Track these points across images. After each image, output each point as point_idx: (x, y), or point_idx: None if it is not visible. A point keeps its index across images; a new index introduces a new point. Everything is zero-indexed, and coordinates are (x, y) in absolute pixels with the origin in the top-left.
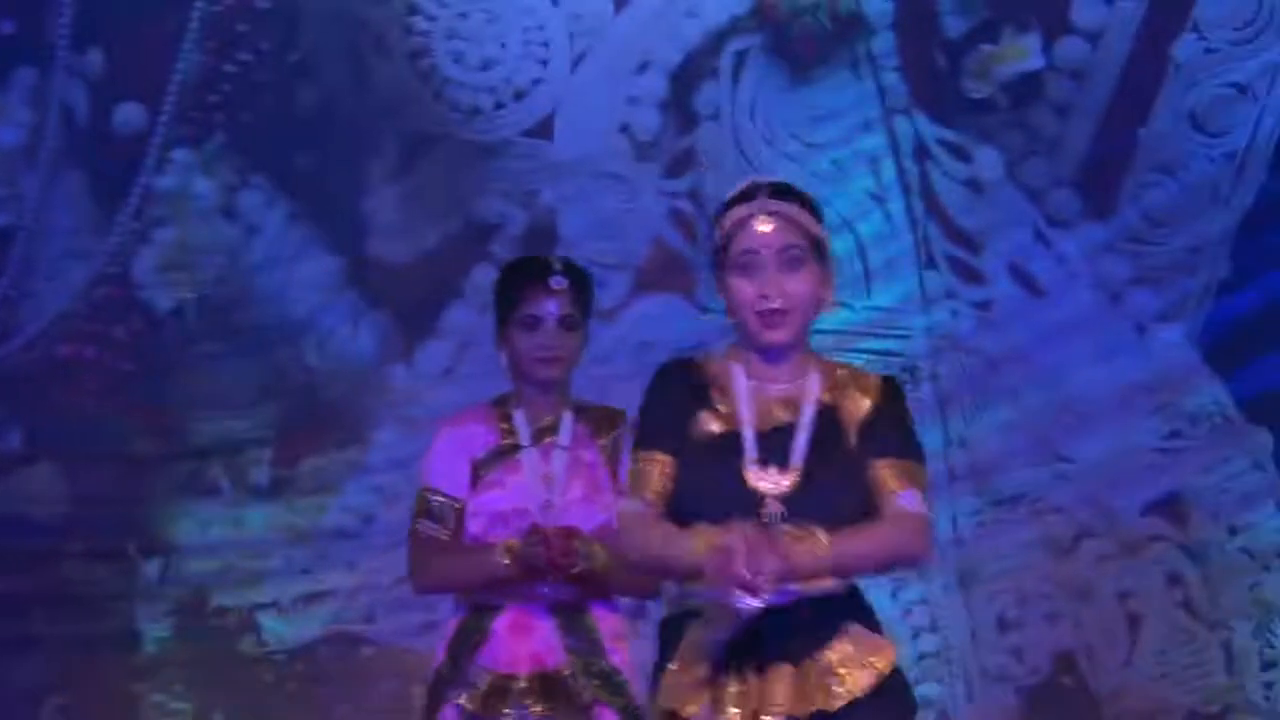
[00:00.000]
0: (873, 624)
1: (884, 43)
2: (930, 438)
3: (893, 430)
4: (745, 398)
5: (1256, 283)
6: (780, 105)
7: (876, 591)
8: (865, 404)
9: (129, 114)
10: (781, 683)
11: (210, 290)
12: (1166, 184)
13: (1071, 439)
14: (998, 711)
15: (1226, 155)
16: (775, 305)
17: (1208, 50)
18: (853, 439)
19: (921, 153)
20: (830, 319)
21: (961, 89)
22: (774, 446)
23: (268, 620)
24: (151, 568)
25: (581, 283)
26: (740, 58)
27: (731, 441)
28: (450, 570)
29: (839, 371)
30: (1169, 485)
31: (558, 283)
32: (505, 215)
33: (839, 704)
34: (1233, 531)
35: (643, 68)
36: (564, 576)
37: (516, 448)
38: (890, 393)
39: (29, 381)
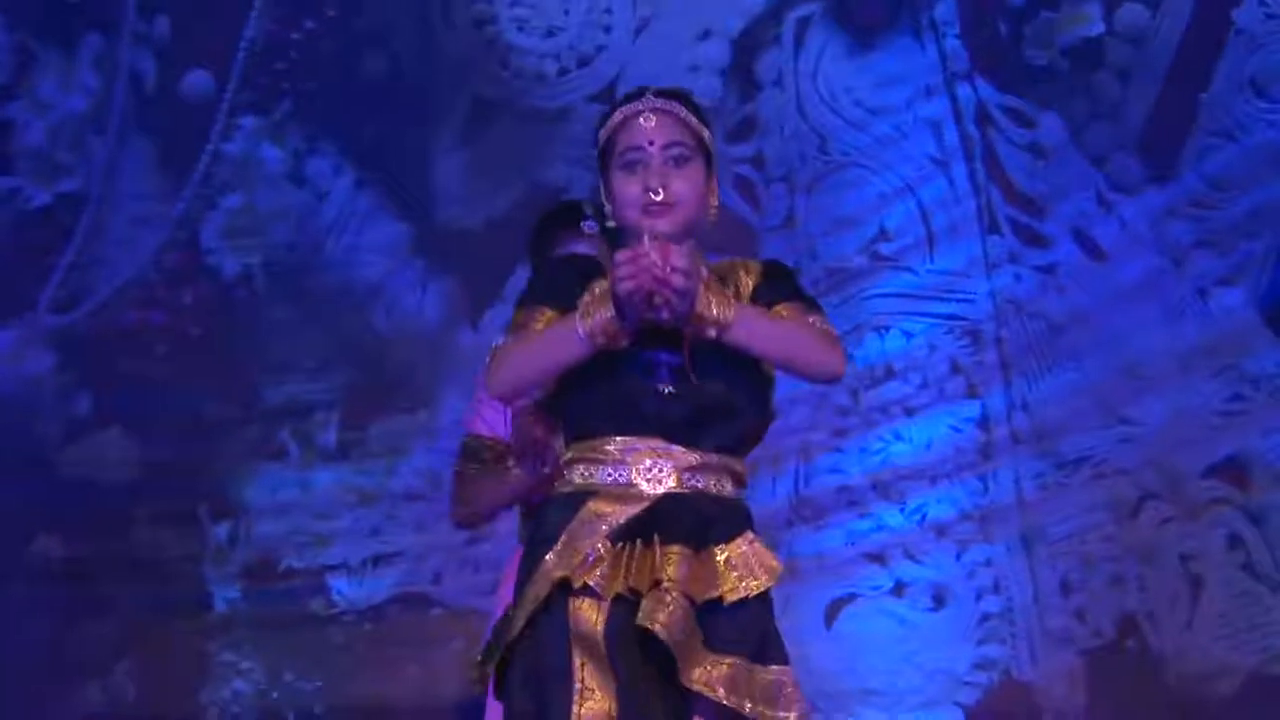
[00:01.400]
0: (764, 539)
1: (946, 9)
2: (994, 401)
3: (785, 285)
4: None
5: None
6: (842, 71)
7: (940, 554)
8: (752, 280)
9: (196, 81)
10: (681, 563)
11: (278, 256)
12: (1228, 148)
13: (1134, 402)
14: (1061, 673)
15: None
16: (660, 199)
17: (1269, 16)
18: None
19: (984, 118)
20: (893, 282)
21: (1023, 55)
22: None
23: (337, 582)
24: (221, 531)
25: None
26: (802, 24)
27: None
28: (484, 493)
29: (721, 263)
30: (1230, 448)
31: (590, 227)
32: (571, 180)
33: (733, 596)
34: None
35: (705, 35)
36: None
37: None
38: (776, 266)
39: (98, 347)
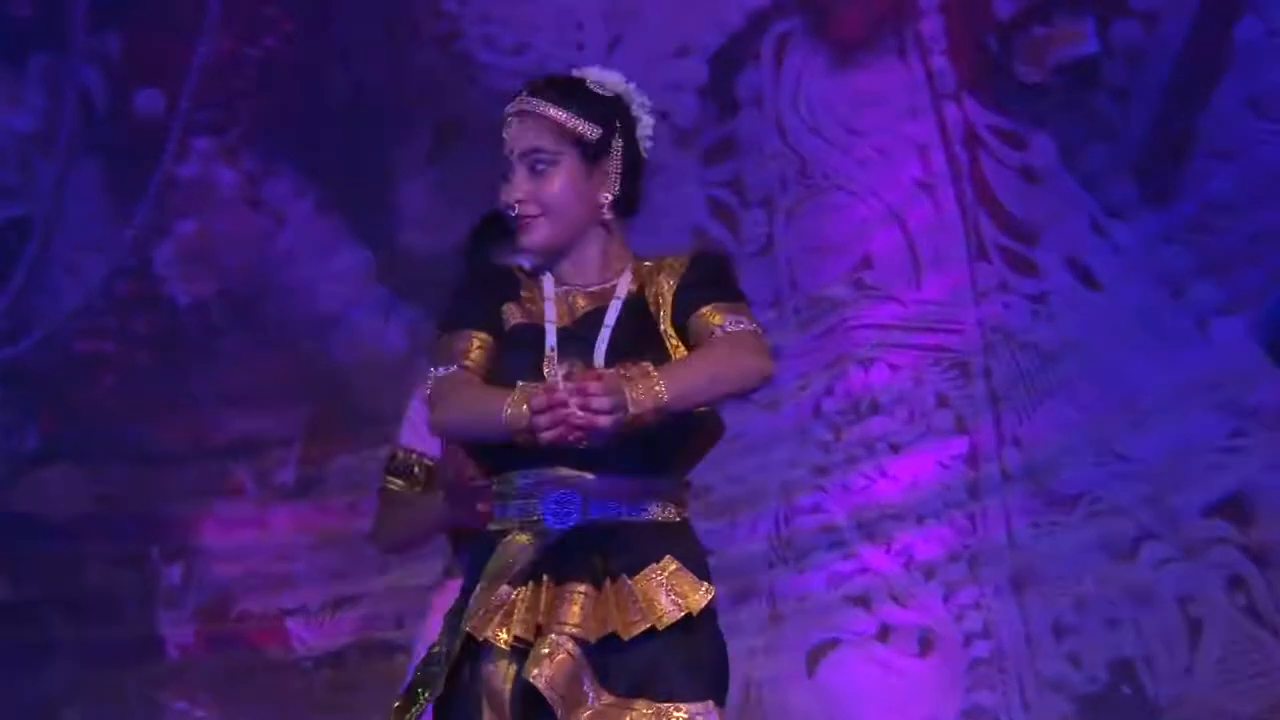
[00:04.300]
0: (696, 564)
1: (932, 25)
2: (983, 436)
3: (707, 283)
4: (551, 298)
5: None
6: (824, 90)
7: (927, 597)
8: (674, 282)
9: (148, 100)
10: (577, 602)
11: (234, 283)
12: (1228, 171)
13: (1130, 437)
14: None
15: None
16: (521, 211)
17: (1270, 33)
18: (664, 322)
19: (972, 139)
20: (878, 312)
21: (1014, 73)
22: (577, 340)
23: (295, 626)
24: (174, 572)
25: None
26: (783, 41)
27: (533, 334)
28: (408, 523)
29: (647, 263)
30: (1231, 485)
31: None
32: None
33: (634, 631)
34: None
35: (682, 52)
36: None
37: None
38: (702, 258)
39: (46, 378)
